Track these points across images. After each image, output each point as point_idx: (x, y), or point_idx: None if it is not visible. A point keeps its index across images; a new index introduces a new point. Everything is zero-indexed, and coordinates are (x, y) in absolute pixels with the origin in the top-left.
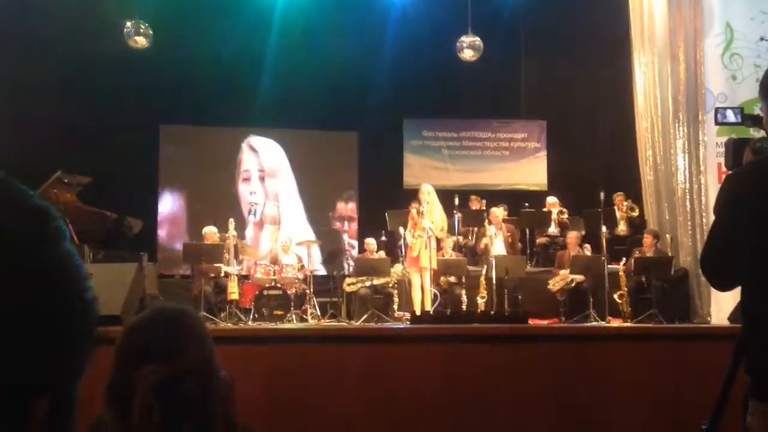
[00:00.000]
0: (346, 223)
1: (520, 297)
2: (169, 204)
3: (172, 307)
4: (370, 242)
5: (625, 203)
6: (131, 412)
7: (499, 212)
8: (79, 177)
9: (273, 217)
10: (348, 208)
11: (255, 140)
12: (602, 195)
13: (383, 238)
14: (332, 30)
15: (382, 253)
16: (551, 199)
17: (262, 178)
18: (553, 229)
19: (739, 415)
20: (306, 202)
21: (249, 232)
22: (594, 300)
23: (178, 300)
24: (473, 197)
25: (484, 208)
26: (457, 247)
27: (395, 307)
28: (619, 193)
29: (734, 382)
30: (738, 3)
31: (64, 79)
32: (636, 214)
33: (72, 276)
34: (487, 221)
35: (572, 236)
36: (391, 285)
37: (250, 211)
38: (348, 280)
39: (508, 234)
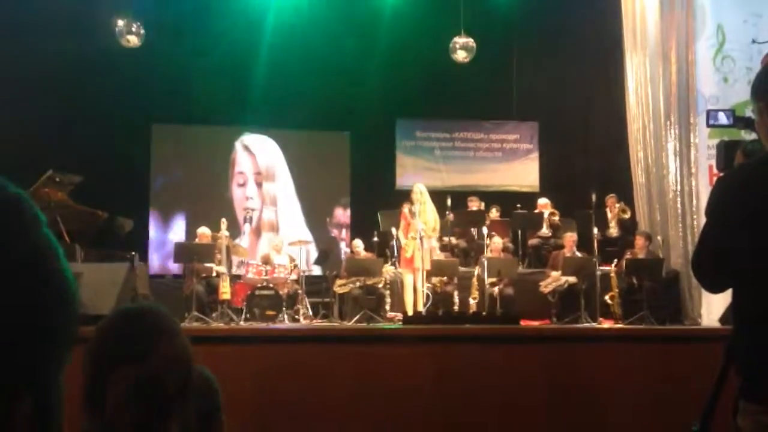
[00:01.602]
0: (343, 231)
1: (512, 298)
2: (160, 204)
3: (134, 308)
4: (357, 244)
5: (617, 205)
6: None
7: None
8: (71, 176)
9: (271, 224)
10: (346, 214)
11: (250, 139)
12: (594, 196)
13: (375, 239)
14: (325, 30)
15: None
16: (543, 201)
17: (259, 183)
18: (544, 231)
19: (730, 417)
20: (301, 204)
21: (245, 241)
22: (585, 301)
23: (169, 300)
24: (473, 198)
25: (483, 208)
26: (449, 248)
27: (387, 307)
28: (611, 194)
29: (725, 383)
30: (730, 5)
31: (56, 78)
32: (628, 215)
33: (49, 265)
34: (486, 232)
35: (569, 237)
36: (383, 285)
37: (245, 219)
38: (339, 281)
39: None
